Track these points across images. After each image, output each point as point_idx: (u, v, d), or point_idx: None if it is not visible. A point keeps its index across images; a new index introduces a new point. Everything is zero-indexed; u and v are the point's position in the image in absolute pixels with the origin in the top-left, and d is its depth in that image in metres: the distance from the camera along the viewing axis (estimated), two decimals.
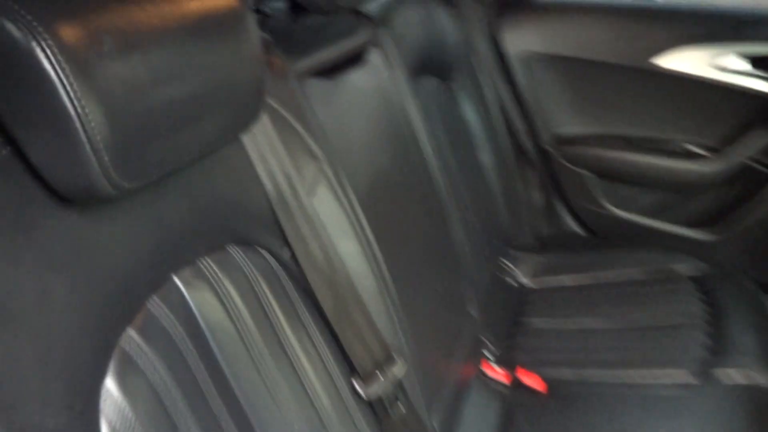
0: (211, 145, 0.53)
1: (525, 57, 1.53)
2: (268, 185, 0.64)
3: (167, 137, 0.45)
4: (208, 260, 0.58)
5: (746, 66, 1.41)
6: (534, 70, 1.54)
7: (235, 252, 0.62)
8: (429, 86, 1.28)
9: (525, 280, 1.47)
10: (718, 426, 1.01)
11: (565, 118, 1.57)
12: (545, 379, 1.15)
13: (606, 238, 1.62)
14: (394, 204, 0.91)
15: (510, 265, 1.48)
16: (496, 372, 1.16)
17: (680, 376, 1.11)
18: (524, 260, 1.50)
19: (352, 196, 0.77)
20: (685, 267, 1.39)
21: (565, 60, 1.52)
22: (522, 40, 1.52)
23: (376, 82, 0.95)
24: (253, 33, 0.55)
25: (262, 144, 0.65)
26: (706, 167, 1.47)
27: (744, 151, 1.44)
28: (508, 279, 1.46)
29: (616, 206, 1.58)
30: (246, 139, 0.63)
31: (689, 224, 1.55)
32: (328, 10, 0.75)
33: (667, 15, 1.47)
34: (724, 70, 1.42)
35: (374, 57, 0.96)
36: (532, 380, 1.14)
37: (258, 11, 0.77)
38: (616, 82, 1.51)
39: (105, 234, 0.46)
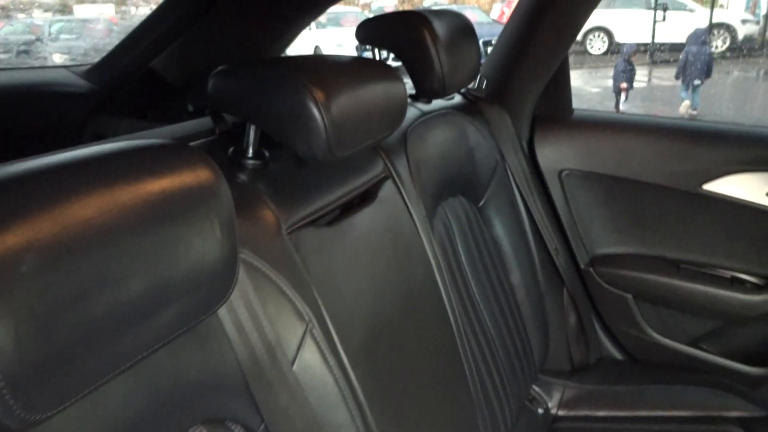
0: (170, 335, 0.49)
1: (561, 173, 1.48)
2: (244, 356, 0.61)
3: (103, 351, 0.42)
4: None
5: None
6: (570, 187, 1.49)
7: None
8: (457, 206, 1.24)
9: (556, 410, 1.38)
10: None
11: (603, 238, 1.50)
12: None
13: (647, 366, 1.50)
14: (397, 353, 0.85)
15: (540, 392, 1.39)
16: None
17: None
18: (556, 387, 1.41)
19: (344, 359, 0.72)
20: (732, 406, 1.27)
21: (605, 178, 1.47)
22: (558, 156, 1.48)
23: (385, 219, 0.91)
24: (227, 205, 0.52)
25: (240, 312, 0.61)
26: (758, 298, 1.37)
27: None
28: (537, 408, 1.36)
29: (659, 332, 1.48)
30: (221, 309, 0.59)
31: (737, 357, 1.43)
32: (329, 162, 0.73)
33: (721, 138, 1.40)
34: None
35: (385, 192, 0.93)
36: None
37: (257, 156, 0.76)
38: (662, 203, 1.44)
39: None
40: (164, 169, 0.48)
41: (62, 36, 7.82)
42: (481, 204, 1.32)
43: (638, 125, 1.47)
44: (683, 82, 6.88)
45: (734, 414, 1.26)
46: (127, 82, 1.45)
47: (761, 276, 1.40)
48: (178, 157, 0.50)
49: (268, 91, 0.71)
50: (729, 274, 1.42)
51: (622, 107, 6.67)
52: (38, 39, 7.51)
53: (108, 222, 0.42)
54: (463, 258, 1.20)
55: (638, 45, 7.59)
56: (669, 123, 1.48)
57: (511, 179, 1.39)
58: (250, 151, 0.75)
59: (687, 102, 6.80)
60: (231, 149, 0.77)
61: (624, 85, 6.78)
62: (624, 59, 6.81)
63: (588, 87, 8.20)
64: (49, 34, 7.80)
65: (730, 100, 7.53)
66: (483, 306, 1.21)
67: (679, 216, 1.44)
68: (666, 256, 1.46)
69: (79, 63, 1.56)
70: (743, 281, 1.41)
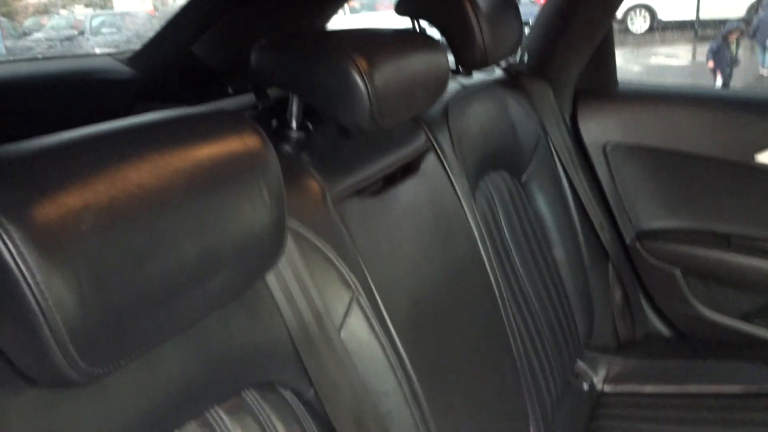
0: (221, 300, 0.50)
1: (605, 147, 1.45)
2: (293, 323, 0.61)
3: (158, 312, 0.43)
4: (218, 410, 0.55)
5: None
6: (615, 161, 1.45)
7: (251, 396, 0.59)
8: (499, 181, 1.23)
9: (601, 385, 1.36)
10: None
11: (650, 212, 1.46)
12: None
13: (697, 342, 1.47)
14: (443, 324, 0.85)
15: (585, 367, 1.37)
16: None
17: None
18: (602, 363, 1.39)
19: (390, 327, 0.72)
20: None
21: (652, 151, 1.43)
22: (602, 129, 1.45)
23: (428, 191, 0.91)
24: (275, 172, 0.52)
25: (288, 279, 0.62)
26: None
27: None
28: (582, 383, 1.35)
29: (709, 307, 1.44)
30: (271, 277, 0.60)
31: None
32: (372, 132, 0.73)
33: None
34: None
35: (428, 164, 0.93)
36: None
37: (301, 128, 0.76)
38: (711, 175, 1.40)
39: (86, 411, 0.43)
40: (213, 135, 0.49)
41: (103, 29, 7.99)
42: (523, 179, 1.30)
43: (685, 96, 1.43)
44: (759, 43, 6.62)
45: None
46: (169, 68, 1.48)
47: None
48: (227, 124, 0.51)
49: (311, 61, 0.71)
50: None
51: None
52: (80, 33, 7.68)
53: (160, 185, 0.43)
54: (506, 232, 1.19)
55: (739, 22, 7.12)
56: (717, 94, 1.44)
57: (554, 154, 1.36)
58: (294, 122, 0.76)
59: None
60: (274, 121, 0.77)
61: (711, 64, 6.44)
62: (722, 37, 6.45)
63: (629, 65, 8.00)
64: (91, 28, 7.97)
65: None
66: (527, 280, 1.20)
67: (730, 188, 1.40)
68: (716, 230, 1.42)
69: (121, 50, 1.59)
70: None
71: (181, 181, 0.44)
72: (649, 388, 1.31)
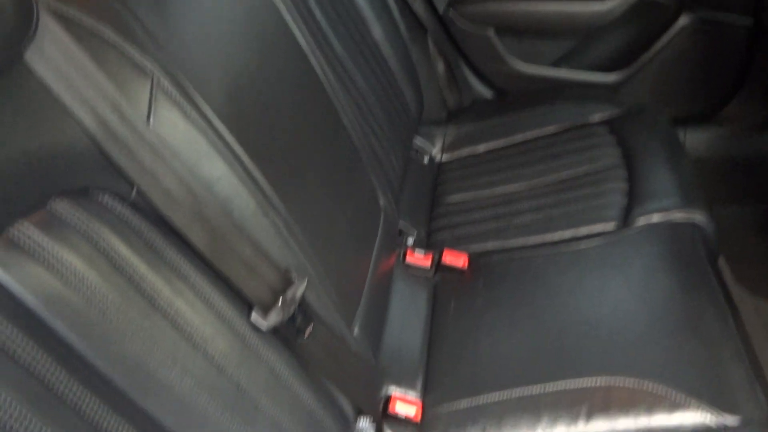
0: None
1: None
2: (87, 119, 0.53)
3: None
4: (25, 226, 0.49)
5: None
6: None
7: (62, 206, 0.52)
8: None
9: (439, 156, 1.42)
10: (640, 265, 1.02)
11: None
12: (471, 254, 1.12)
13: (516, 96, 1.56)
14: (269, 107, 0.80)
15: (423, 142, 1.42)
16: (418, 258, 1.12)
17: (602, 227, 1.10)
18: (437, 135, 1.44)
19: (208, 110, 0.66)
20: (597, 112, 1.35)
21: None
22: None
23: None
24: None
25: (65, 70, 0.52)
26: (606, 6, 1.40)
27: None
28: (423, 157, 1.40)
29: (524, 61, 1.51)
30: (39, 66, 0.50)
31: (597, 68, 1.50)
32: None
33: None
34: None
35: None
36: (455, 258, 1.11)
37: None
38: None
39: None
40: None
41: None
42: None
43: None
44: None
45: (599, 117, 1.34)
46: None
47: None
48: None
49: None
50: None
51: None
52: None
53: None
54: (319, 17, 1.12)
55: None
56: None
57: None
58: None
59: None
60: None
61: None
62: None
63: None
64: None
65: None
66: (352, 64, 1.16)
67: None
68: None
69: None
70: None
71: None
72: (482, 147, 1.38)
